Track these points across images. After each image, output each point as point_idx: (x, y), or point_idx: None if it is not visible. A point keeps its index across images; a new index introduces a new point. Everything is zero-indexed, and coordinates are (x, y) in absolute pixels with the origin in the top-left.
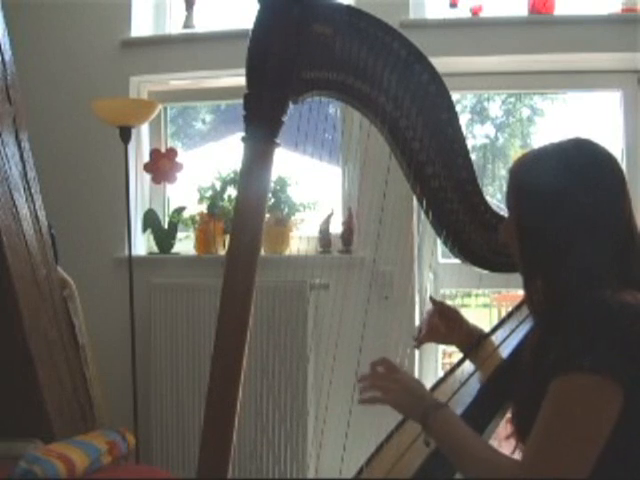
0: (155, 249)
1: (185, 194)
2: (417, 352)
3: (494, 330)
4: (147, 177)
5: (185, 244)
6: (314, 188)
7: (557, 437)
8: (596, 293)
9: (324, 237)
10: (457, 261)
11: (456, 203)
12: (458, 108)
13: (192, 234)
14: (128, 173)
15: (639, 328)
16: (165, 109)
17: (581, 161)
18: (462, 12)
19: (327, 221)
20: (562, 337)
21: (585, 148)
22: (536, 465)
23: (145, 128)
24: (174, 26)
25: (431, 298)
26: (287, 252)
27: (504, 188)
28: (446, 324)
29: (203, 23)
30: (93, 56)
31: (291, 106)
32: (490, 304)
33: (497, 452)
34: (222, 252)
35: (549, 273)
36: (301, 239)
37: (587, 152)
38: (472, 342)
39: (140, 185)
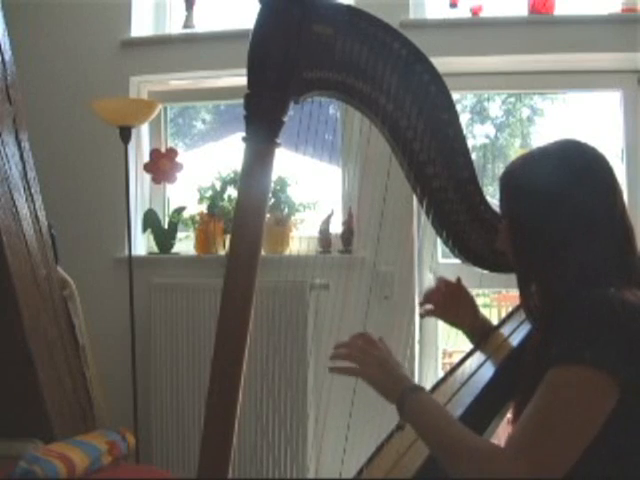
0: (155, 249)
1: (185, 194)
2: (417, 352)
3: (495, 330)
4: (147, 177)
5: (185, 244)
6: (314, 188)
7: (547, 425)
8: (597, 290)
9: (324, 237)
10: (457, 261)
11: (457, 203)
12: (458, 108)
13: (192, 234)
14: (128, 173)
15: (639, 326)
16: (165, 109)
17: (572, 161)
18: (462, 12)
19: (327, 221)
20: (564, 332)
21: (574, 148)
22: (523, 451)
23: (145, 128)
24: (174, 26)
25: (439, 278)
26: (287, 252)
27: None
28: (452, 299)
29: (203, 23)
30: (93, 56)
31: (292, 106)
32: (490, 304)
33: (479, 438)
34: (222, 252)
35: (545, 276)
36: (301, 239)
37: (577, 152)
38: (477, 329)
39: (140, 185)
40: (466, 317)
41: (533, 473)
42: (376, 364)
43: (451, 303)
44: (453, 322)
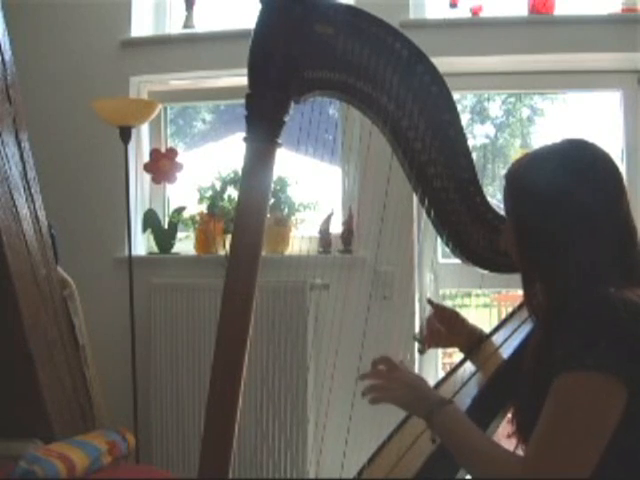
0: (155, 249)
1: (185, 194)
2: (417, 353)
3: (496, 330)
4: (147, 177)
5: (185, 244)
6: (314, 188)
7: (561, 434)
8: (599, 291)
9: (324, 237)
10: (457, 261)
11: (458, 203)
12: (458, 108)
13: (192, 234)
14: (128, 173)
15: None
16: (165, 109)
17: (577, 160)
18: (462, 12)
19: (327, 221)
20: (565, 335)
21: (580, 147)
22: (540, 462)
23: (145, 128)
24: (174, 26)
25: (430, 301)
26: (287, 252)
27: None
28: (447, 327)
29: (203, 23)
30: (93, 56)
31: (293, 106)
32: (490, 304)
33: (502, 449)
34: (222, 252)
35: (549, 275)
36: (301, 239)
37: (583, 151)
38: (473, 343)
39: (140, 185)
40: (461, 337)
41: None
42: (401, 387)
43: (444, 329)
44: (449, 345)
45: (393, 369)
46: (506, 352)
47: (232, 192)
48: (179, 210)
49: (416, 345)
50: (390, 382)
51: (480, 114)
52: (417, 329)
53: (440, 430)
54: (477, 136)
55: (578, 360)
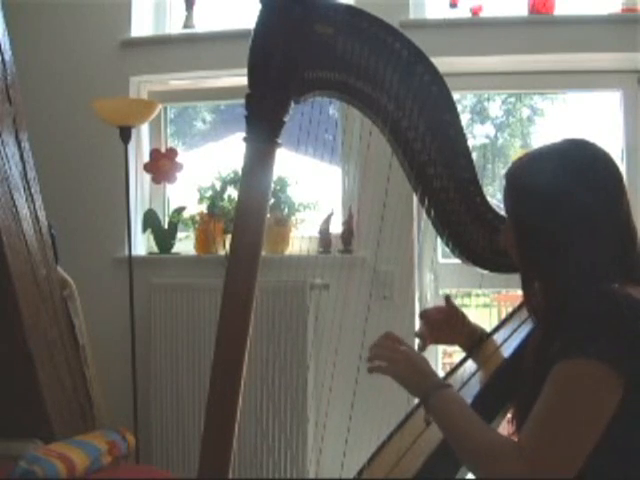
0: (155, 249)
1: (185, 194)
2: (418, 350)
3: (496, 330)
4: (147, 177)
5: (185, 244)
6: (314, 188)
7: (558, 420)
8: (602, 286)
9: (324, 237)
10: (457, 261)
11: (457, 203)
12: (458, 108)
13: (192, 234)
14: (128, 173)
15: None
16: (165, 109)
17: (578, 160)
18: (462, 12)
19: (327, 221)
20: (567, 328)
21: (581, 147)
22: (527, 451)
23: (145, 128)
24: (174, 26)
25: (447, 297)
26: (287, 252)
27: None
28: (447, 324)
29: (203, 23)
30: (93, 56)
31: (292, 106)
32: (490, 304)
33: (492, 435)
34: (222, 252)
35: (549, 275)
36: (301, 239)
37: (583, 151)
38: (474, 342)
39: (140, 185)
40: (462, 336)
41: (536, 473)
42: (403, 360)
43: (445, 326)
44: (450, 343)
45: (397, 342)
46: (506, 352)
47: (232, 192)
48: (179, 210)
49: (416, 342)
50: (395, 353)
51: (480, 114)
52: (418, 328)
53: (435, 413)
54: (477, 136)
55: (579, 349)
